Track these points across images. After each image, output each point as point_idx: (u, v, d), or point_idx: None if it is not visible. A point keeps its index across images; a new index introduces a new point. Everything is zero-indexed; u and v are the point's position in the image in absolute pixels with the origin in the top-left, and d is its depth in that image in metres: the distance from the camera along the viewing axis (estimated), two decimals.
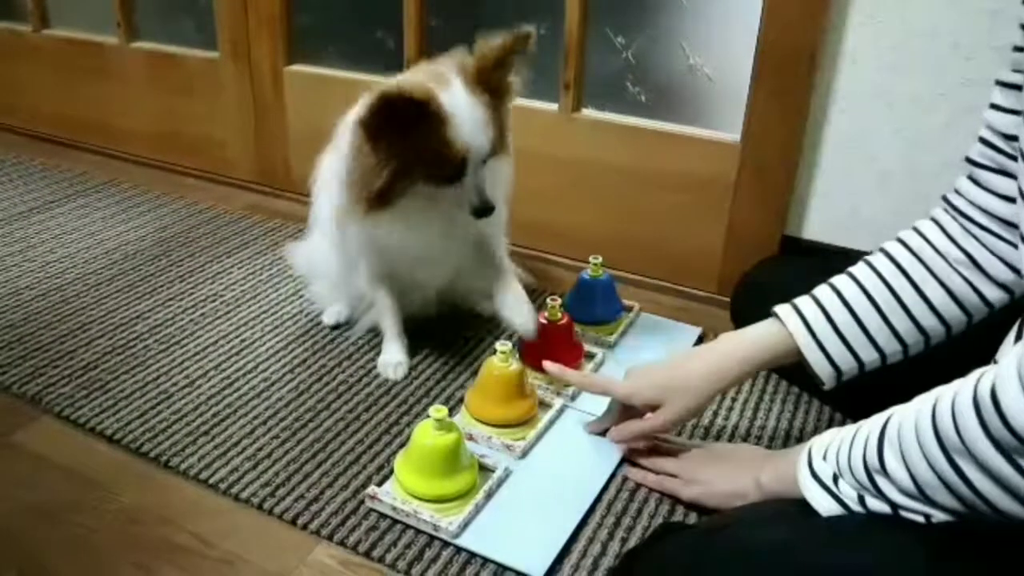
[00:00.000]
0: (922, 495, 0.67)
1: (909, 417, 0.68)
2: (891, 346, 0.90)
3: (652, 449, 1.04)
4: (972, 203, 0.85)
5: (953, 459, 0.63)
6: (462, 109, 1.03)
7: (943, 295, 0.88)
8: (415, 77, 1.07)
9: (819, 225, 1.38)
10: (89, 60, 2.04)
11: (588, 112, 1.52)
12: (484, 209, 1.08)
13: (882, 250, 0.92)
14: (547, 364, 1.12)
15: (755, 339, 0.95)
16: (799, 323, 0.92)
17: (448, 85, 1.03)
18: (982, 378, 0.62)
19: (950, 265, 0.87)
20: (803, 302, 0.93)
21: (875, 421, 0.73)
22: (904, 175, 1.28)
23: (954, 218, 0.87)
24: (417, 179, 1.06)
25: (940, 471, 0.64)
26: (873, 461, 0.70)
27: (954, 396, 0.64)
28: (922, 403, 0.67)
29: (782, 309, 0.93)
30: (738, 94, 1.36)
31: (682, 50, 1.42)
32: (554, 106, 1.52)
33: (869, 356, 0.91)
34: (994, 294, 0.87)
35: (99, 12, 1.98)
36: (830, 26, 1.25)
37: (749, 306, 1.12)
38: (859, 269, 0.92)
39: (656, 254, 1.51)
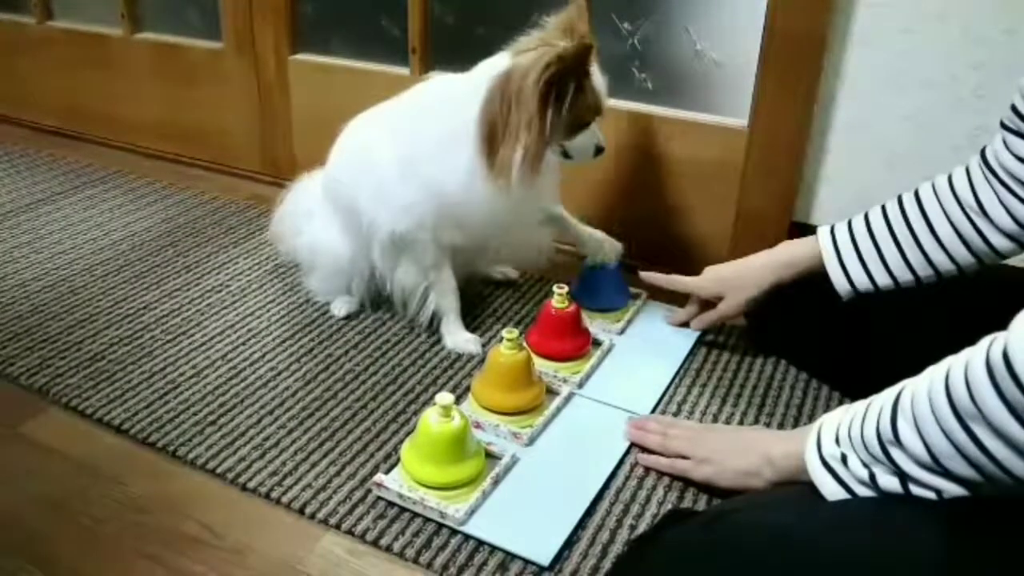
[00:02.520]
0: (937, 464, 0.66)
1: (922, 387, 0.68)
2: (904, 275, 1.02)
3: (661, 434, 1.04)
4: (996, 158, 0.91)
5: (968, 426, 0.63)
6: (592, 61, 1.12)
7: (952, 235, 0.97)
8: (547, 40, 1.11)
9: (828, 210, 1.37)
10: (93, 52, 2.03)
11: None
12: (603, 148, 1.19)
13: (915, 190, 1.01)
14: (643, 274, 1.28)
15: (800, 248, 1.12)
16: (829, 240, 1.07)
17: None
18: (994, 343, 0.62)
19: (962, 209, 0.95)
20: (839, 224, 1.07)
21: (888, 394, 0.73)
22: (913, 159, 1.27)
23: (981, 168, 0.94)
24: (561, 132, 1.13)
25: (955, 439, 0.64)
26: (887, 432, 0.70)
27: (967, 363, 0.63)
28: (934, 372, 0.68)
29: (822, 228, 1.09)
30: (745, 79, 1.35)
31: (688, 35, 1.41)
32: None
33: (883, 280, 1.03)
34: (1000, 242, 0.94)
35: (102, 4, 1.98)
36: (839, 9, 1.23)
37: None
38: (891, 203, 1.03)
39: (663, 241, 1.50)
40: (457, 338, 1.27)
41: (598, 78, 1.13)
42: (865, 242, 1.04)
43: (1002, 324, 0.78)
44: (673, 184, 1.47)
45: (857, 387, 1.13)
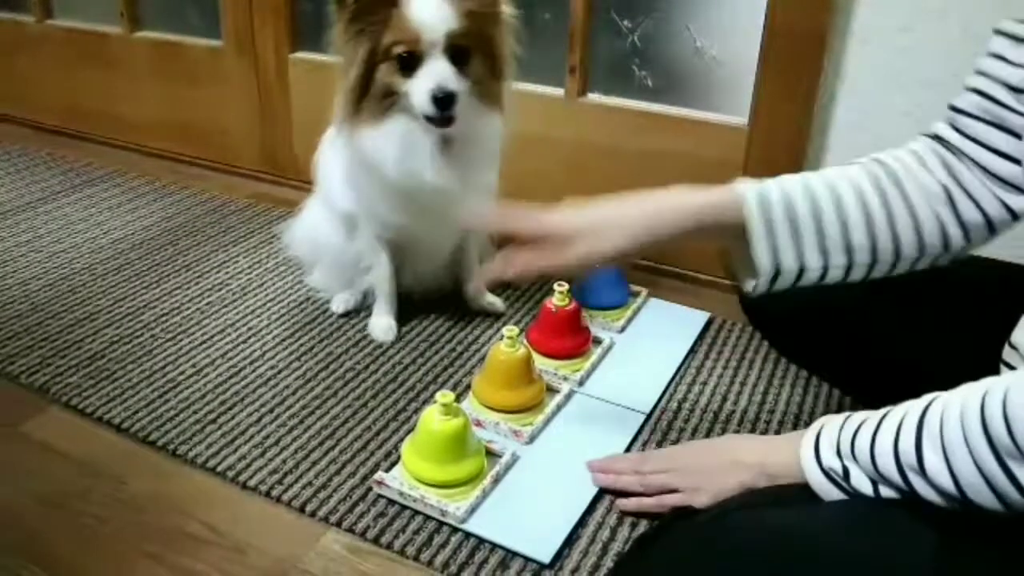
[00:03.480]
0: (962, 496, 0.64)
1: (953, 413, 0.65)
2: (837, 258, 0.84)
3: (634, 472, 0.97)
4: (962, 152, 0.82)
5: (1004, 462, 0.61)
6: None
7: (908, 219, 0.84)
8: None
9: None
10: (93, 50, 2.03)
11: (594, 96, 1.51)
12: (443, 97, 1.02)
13: (861, 163, 0.88)
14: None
15: (707, 197, 0.89)
16: (755, 195, 0.85)
17: None
18: None
19: (925, 196, 0.84)
20: (768, 183, 0.87)
21: (909, 412, 0.69)
22: None
23: (935, 152, 0.85)
24: (386, 72, 1.09)
25: (989, 473, 0.62)
26: (909, 458, 0.67)
27: (1006, 394, 0.61)
28: (968, 398, 0.64)
29: (745, 180, 0.88)
30: (745, 77, 1.35)
31: (688, 33, 1.41)
32: (560, 91, 1.51)
33: (815, 262, 0.84)
34: (956, 232, 0.84)
35: (102, 2, 1.98)
36: (839, 7, 1.23)
37: None
38: (833, 175, 0.87)
39: None
40: (377, 321, 1.31)
41: (418, 3, 1.04)
42: (804, 206, 0.84)
43: (1002, 324, 0.77)
44: (672, 182, 1.45)
45: (857, 386, 1.13)
